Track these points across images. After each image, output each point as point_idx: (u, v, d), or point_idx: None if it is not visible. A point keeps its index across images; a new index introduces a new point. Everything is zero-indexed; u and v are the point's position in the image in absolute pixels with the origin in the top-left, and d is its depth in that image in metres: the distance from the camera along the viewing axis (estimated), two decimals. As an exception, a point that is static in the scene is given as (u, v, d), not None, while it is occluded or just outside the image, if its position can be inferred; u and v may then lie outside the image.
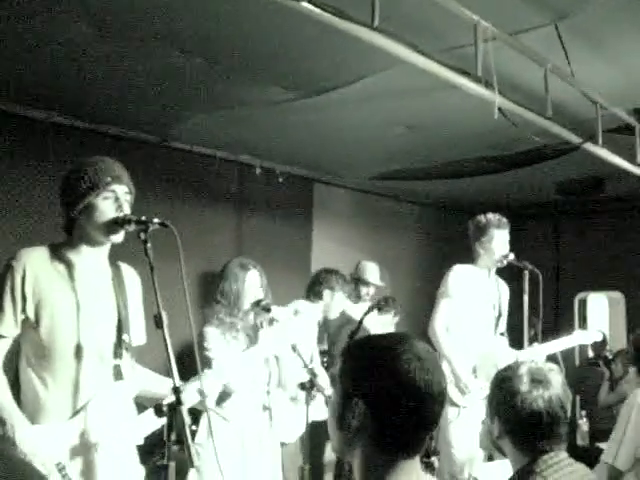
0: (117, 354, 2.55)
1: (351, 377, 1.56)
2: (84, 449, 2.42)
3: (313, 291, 4.92)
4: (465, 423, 4.31)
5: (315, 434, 3.87)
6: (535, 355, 4.16)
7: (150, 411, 2.43)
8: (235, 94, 4.12)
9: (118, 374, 2.55)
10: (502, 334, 4.64)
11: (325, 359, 4.76)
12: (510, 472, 2.20)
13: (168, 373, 2.23)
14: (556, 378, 2.17)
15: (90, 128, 4.63)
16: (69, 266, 2.51)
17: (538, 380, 2.14)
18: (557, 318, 7.66)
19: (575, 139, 4.10)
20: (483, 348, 4.43)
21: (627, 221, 7.69)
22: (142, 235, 2.36)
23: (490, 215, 4.54)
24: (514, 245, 4.54)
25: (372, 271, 5.75)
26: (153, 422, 2.54)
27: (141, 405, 2.65)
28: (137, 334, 2.68)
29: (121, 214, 2.46)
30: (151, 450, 2.74)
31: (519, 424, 2.14)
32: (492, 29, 2.97)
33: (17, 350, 2.49)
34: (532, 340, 4.38)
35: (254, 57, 3.59)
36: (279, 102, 4.23)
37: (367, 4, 2.52)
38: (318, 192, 6.52)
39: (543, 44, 3.26)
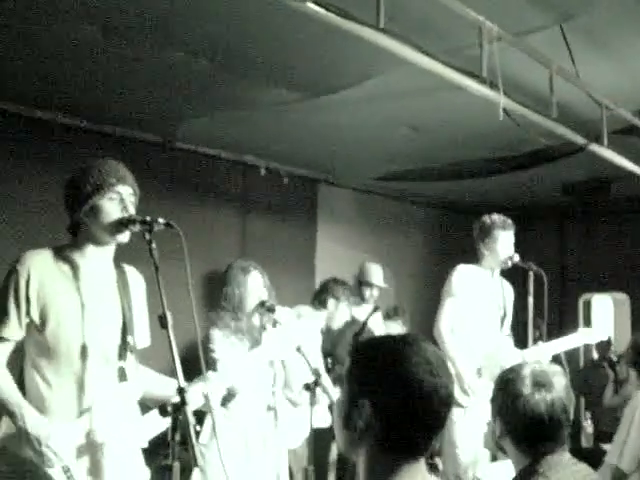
0: (122, 356, 2.55)
1: (358, 378, 1.55)
2: (90, 449, 2.42)
3: (319, 299, 5.00)
4: (470, 424, 4.30)
5: (320, 437, 3.87)
6: (540, 354, 4.15)
7: (154, 412, 2.43)
8: (240, 95, 4.12)
9: (123, 376, 2.55)
10: (507, 335, 4.63)
11: (329, 359, 4.76)
12: (513, 473, 2.20)
13: (173, 374, 2.23)
14: (559, 381, 2.16)
15: (94, 129, 4.64)
16: (74, 268, 2.52)
17: (541, 383, 2.13)
18: (562, 319, 7.64)
19: (580, 140, 4.10)
20: (488, 348, 4.42)
21: (632, 222, 7.67)
22: (147, 235, 2.36)
23: (495, 216, 4.52)
24: (519, 246, 4.53)
25: (376, 273, 5.75)
26: (157, 424, 2.54)
27: (145, 406, 2.65)
28: (141, 336, 2.68)
29: (126, 215, 2.47)
30: (155, 450, 2.74)
31: (520, 426, 2.13)
32: (497, 30, 2.97)
33: (21, 352, 2.49)
34: (537, 341, 4.37)
35: (259, 58, 3.59)
36: (284, 103, 4.23)
37: (372, 5, 2.52)
38: (322, 193, 6.51)
39: (548, 45, 3.26)
